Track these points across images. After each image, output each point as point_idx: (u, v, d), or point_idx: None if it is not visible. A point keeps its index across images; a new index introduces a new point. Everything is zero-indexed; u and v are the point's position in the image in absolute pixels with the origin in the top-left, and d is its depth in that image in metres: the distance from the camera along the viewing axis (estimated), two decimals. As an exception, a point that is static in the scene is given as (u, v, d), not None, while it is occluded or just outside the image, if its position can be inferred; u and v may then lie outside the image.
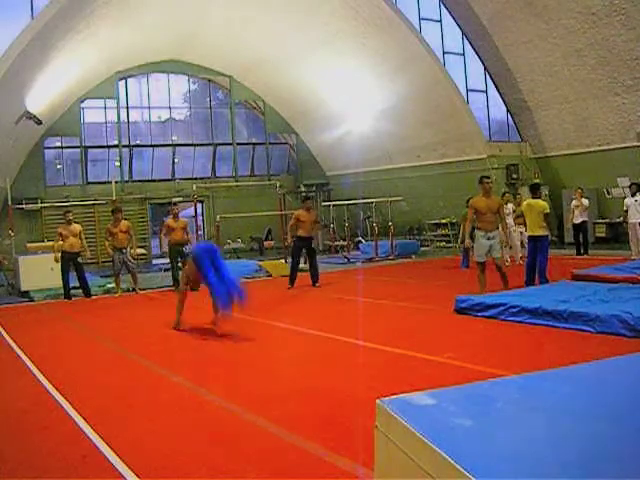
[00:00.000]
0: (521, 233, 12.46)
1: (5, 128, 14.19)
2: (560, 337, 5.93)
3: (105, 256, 17.85)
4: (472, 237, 8.85)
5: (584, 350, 5.24)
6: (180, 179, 20.18)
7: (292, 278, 11.08)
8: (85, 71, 17.41)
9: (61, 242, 11.35)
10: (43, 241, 16.82)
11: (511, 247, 12.71)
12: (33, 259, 12.56)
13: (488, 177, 8.98)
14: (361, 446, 3.30)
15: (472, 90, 18.26)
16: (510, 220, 12.28)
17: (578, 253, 13.84)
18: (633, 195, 12.52)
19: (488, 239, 8.39)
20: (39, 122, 15.36)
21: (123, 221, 11.69)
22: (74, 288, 11.57)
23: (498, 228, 8.58)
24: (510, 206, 12.45)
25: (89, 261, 17.99)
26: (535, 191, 9.34)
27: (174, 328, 7.50)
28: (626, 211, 12.52)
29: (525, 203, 9.36)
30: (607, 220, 16.24)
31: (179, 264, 11.80)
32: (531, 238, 9.12)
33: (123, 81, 19.68)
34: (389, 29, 16.46)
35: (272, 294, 10.92)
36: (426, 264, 14.64)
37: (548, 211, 9.15)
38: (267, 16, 16.61)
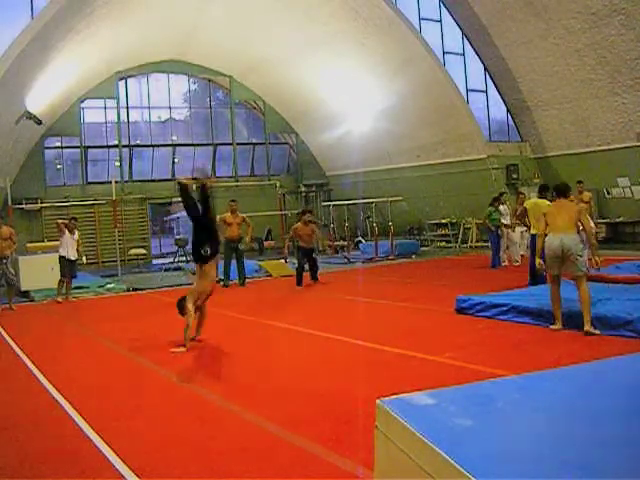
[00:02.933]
0: (521, 233, 12.46)
1: (5, 128, 14.19)
2: (560, 337, 5.93)
3: (107, 256, 17.96)
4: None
5: (584, 350, 5.24)
6: (180, 179, 20.14)
7: (299, 279, 11.25)
8: (85, 71, 17.41)
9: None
10: (43, 241, 16.82)
11: (508, 247, 12.75)
12: (33, 259, 12.56)
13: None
14: (361, 446, 3.30)
15: (472, 90, 18.25)
16: (506, 221, 12.35)
17: None
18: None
19: None
20: (39, 122, 15.36)
21: (4, 227, 10.62)
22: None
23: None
24: (503, 207, 12.56)
25: (90, 261, 18.07)
26: (543, 192, 9.40)
27: None
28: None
29: (532, 202, 9.41)
30: (607, 220, 16.23)
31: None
32: (534, 237, 9.11)
33: (123, 81, 19.68)
34: (389, 29, 16.45)
35: (272, 294, 10.93)
36: (426, 264, 14.64)
37: None
38: (267, 16, 16.60)
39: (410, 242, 17.89)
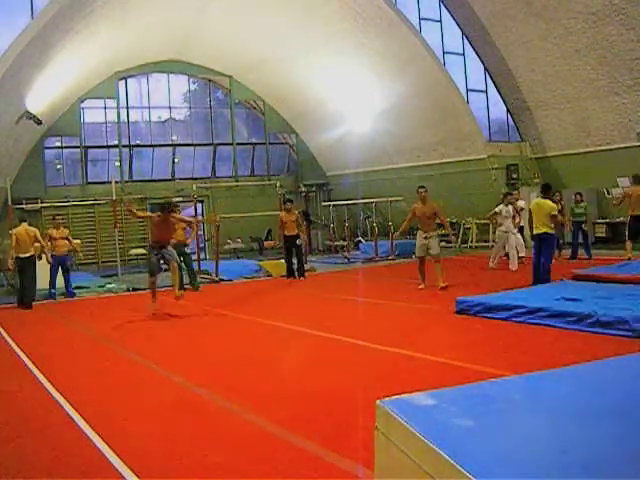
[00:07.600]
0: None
1: (5, 128, 14.18)
2: (560, 337, 5.93)
3: (107, 256, 17.96)
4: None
5: (584, 350, 5.23)
6: (180, 179, 20.17)
7: (289, 271, 12.48)
8: (85, 71, 17.40)
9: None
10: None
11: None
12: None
13: (423, 186, 10.21)
14: (361, 446, 3.30)
15: (472, 90, 18.24)
16: (508, 223, 12.19)
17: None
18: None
19: (424, 238, 10.07)
20: (39, 122, 15.35)
21: None
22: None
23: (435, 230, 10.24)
24: (510, 208, 12.30)
25: (89, 261, 18.07)
26: (546, 191, 9.37)
27: None
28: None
29: (534, 202, 9.40)
30: (607, 220, 16.23)
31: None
32: (536, 236, 9.10)
33: (123, 81, 19.67)
34: (389, 29, 16.45)
35: (272, 294, 10.93)
36: (426, 264, 14.58)
37: (556, 212, 9.15)
38: (267, 16, 16.59)
39: (410, 242, 17.85)
